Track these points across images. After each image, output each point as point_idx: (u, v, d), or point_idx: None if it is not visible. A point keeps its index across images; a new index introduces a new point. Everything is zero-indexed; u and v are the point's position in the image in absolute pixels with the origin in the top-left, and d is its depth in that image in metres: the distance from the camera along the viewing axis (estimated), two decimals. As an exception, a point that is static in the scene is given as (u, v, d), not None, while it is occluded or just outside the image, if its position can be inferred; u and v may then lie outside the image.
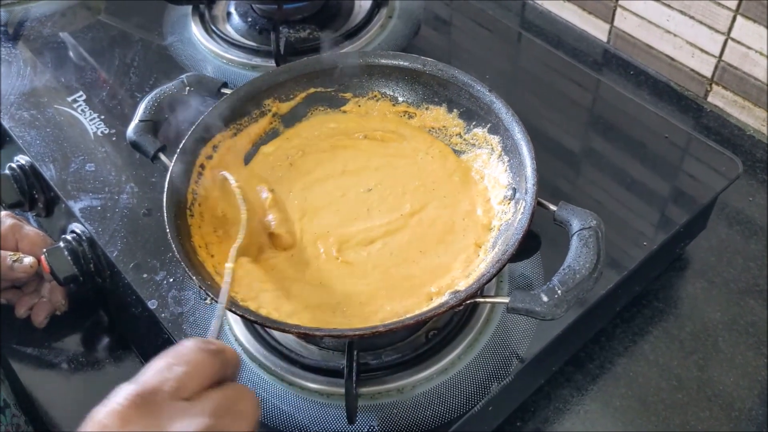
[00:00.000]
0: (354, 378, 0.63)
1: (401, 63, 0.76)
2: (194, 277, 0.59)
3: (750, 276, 0.83)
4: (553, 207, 0.63)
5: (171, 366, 0.40)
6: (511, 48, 1.05)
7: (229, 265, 0.58)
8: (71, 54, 1.02)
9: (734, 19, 0.93)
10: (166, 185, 0.66)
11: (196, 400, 0.39)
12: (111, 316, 0.87)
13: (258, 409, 0.44)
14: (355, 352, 0.64)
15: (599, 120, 0.92)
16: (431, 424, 0.65)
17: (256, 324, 0.59)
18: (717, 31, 0.95)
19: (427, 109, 0.77)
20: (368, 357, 0.67)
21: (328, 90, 0.78)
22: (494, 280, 0.72)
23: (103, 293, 0.84)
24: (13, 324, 0.82)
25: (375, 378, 0.67)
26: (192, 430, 0.37)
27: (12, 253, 0.79)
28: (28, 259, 0.78)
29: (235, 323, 0.71)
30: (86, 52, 1.02)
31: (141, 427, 0.37)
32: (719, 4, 0.93)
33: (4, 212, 0.84)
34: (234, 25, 1.04)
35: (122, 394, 0.38)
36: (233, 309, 0.57)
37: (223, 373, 0.42)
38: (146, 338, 0.80)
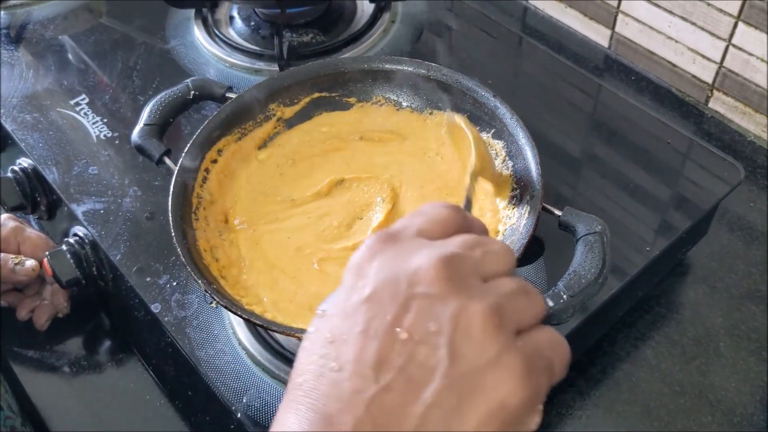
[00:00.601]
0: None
1: (405, 68, 0.76)
2: (200, 281, 0.59)
3: (751, 281, 0.84)
4: (558, 212, 0.63)
5: (416, 216, 0.40)
6: (513, 53, 1.05)
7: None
8: (73, 57, 1.03)
9: (735, 25, 0.93)
10: (172, 189, 0.66)
11: (440, 239, 0.38)
12: (113, 320, 0.87)
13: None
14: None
15: (601, 125, 0.92)
16: (435, 428, 0.65)
17: (260, 327, 0.59)
18: (718, 38, 0.96)
19: (431, 113, 0.77)
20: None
21: (333, 95, 0.78)
22: (498, 284, 0.73)
23: (105, 296, 0.84)
24: (14, 327, 0.82)
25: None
26: (436, 255, 0.36)
27: (14, 256, 0.79)
28: (30, 262, 0.78)
29: (238, 326, 0.71)
30: (88, 55, 1.02)
31: (386, 254, 0.37)
32: (721, 11, 0.93)
33: (6, 215, 0.84)
34: (237, 29, 1.04)
35: (373, 236, 0.38)
36: (237, 312, 0.57)
37: (468, 227, 0.41)
38: (149, 342, 0.80)
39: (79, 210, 0.81)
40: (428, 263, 0.35)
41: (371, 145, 0.76)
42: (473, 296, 0.35)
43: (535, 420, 0.35)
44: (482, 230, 0.42)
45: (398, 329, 0.34)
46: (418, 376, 0.33)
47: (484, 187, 0.69)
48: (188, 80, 0.76)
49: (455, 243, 0.38)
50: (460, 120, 0.68)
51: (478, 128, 0.71)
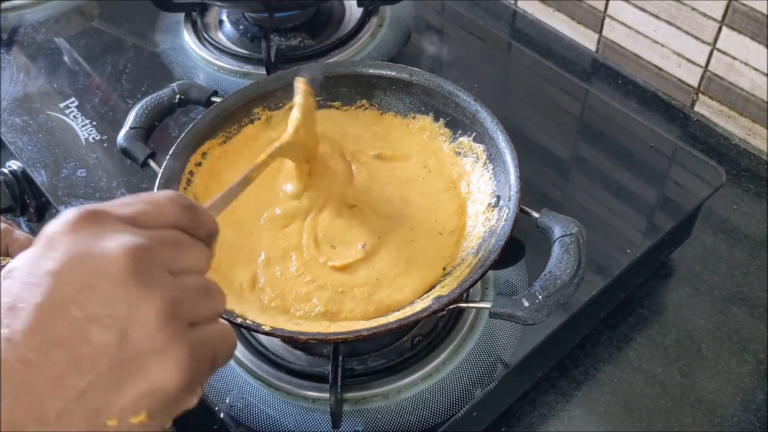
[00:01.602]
0: (339, 383, 0.64)
1: (388, 73, 0.77)
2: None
3: (734, 284, 0.84)
4: (535, 214, 0.64)
5: (136, 201, 0.40)
6: (501, 57, 1.06)
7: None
8: (64, 60, 1.03)
9: (720, 30, 0.94)
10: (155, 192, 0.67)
11: (145, 228, 0.39)
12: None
13: (222, 297, 0.42)
14: (341, 358, 0.65)
15: (587, 129, 0.93)
16: (416, 429, 0.65)
17: (241, 328, 0.59)
18: (703, 42, 0.97)
19: (414, 118, 0.78)
20: (354, 362, 0.68)
21: (317, 99, 0.78)
22: (479, 286, 0.73)
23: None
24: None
25: (360, 383, 0.67)
26: (128, 244, 0.37)
27: (2, 258, 0.79)
28: None
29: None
30: (78, 58, 1.03)
31: (83, 232, 0.37)
32: (705, 15, 0.94)
33: (-6, 217, 0.85)
34: (226, 33, 1.05)
35: (78, 207, 0.39)
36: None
37: (189, 227, 0.42)
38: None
39: (66, 212, 0.82)
40: (118, 250, 0.37)
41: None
42: (153, 288, 0.37)
43: (193, 400, 0.39)
44: (206, 227, 0.43)
45: (75, 307, 0.35)
46: (84, 353, 0.35)
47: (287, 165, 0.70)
48: (174, 84, 0.77)
49: (152, 236, 0.39)
50: (301, 89, 0.69)
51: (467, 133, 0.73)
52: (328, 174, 0.72)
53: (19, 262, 0.37)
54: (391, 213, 0.70)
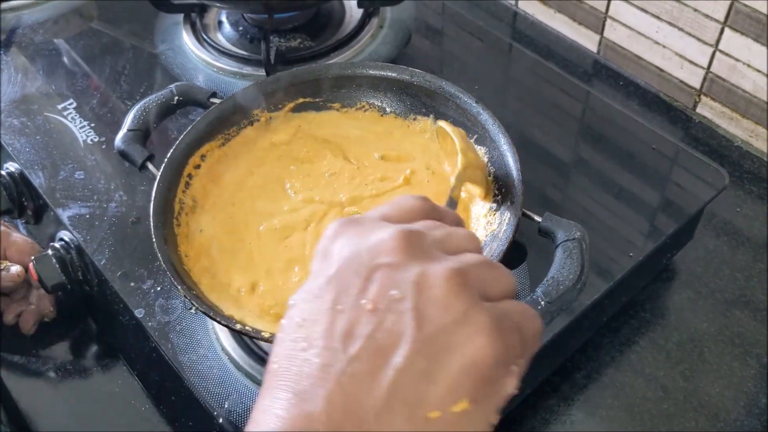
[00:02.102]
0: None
1: (389, 74, 0.77)
2: (179, 287, 0.59)
3: (737, 287, 0.84)
4: (537, 218, 0.63)
5: (381, 206, 0.41)
6: (502, 58, 1.06)
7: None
8: (62, 61, 1.03)
9: (722, 31, 0.93)
10: (153, 195, 0.66)
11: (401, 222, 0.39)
12: (99, 325, 0.87)
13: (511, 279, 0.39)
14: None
15: (588, 130, 0.92)
16: (416, 434, 0.65)
17: (241, 334, 0.59)
18: (705, 43, 0.96)
19: (414, 119, 0.78)
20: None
21: (317, 100, 0.78)
22: (481, 290, 0.73)
23: (91, 301, 0.84)
24: (0, 331, 0.82)
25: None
26: (396, 229, 0.37)
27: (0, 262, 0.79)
28: (15, 268, 0.78)
29: (221, 331, 0.71)
30: (77, 59, 1.02)
31: (348, 234, 0.38)
32: (707, 16, 0.94)
33: (-8, 220, 0.85)
34: (225, 34, 1.04)
35: (335, 221, 0.39)
36: (216, 318, 0.58)
37: (438, 216, 0.42)
38: (134, 347, 0.80)
39: (64, 215, 0.82)
40: (388, 236, 0.36)
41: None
42: (434, 262, 0.35)
43: (512, 383, 0.35)
44: (454, 220, 0.42)
45: (363, 301, 0.34)
46: (386, 343, 0.33)
47: (471, 190, 0.70)
48: (172, 85, 0.76)
49: (418, 223, 0.39)
50: (445, 125, 0.69)
51: (468, 135, 0.72)
52: (326, 183, 0.72)
53: (301, 290, 0.37)
54: None
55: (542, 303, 0.56)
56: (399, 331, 0.33)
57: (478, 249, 0.40)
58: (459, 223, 0.43)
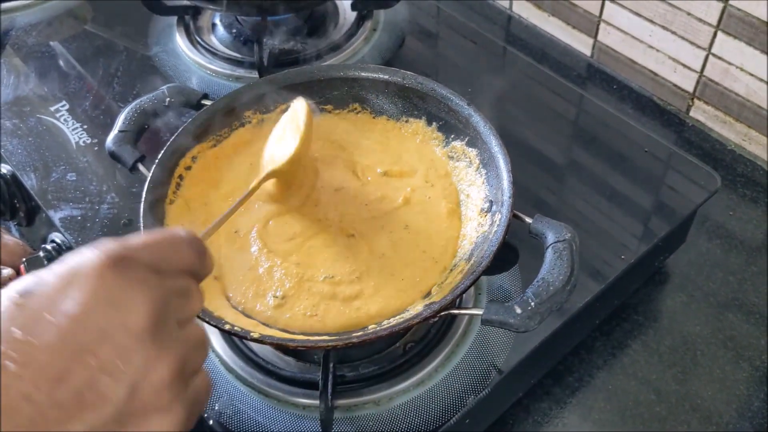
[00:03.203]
0: (330, 390, 0.63)
1: (381, 76, 0.77)
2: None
3: (729, 290, 0.84)
4: (528, 219, 0.63)
5: (157, 242, 0.41)
6: (496, 61, 1.06)
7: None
8: (56, 63, 1.02)
9: (715, 35, 0.93)
10: (144, 196, 0.66)
11: (165, 277, 0.40)
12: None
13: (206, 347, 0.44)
14: (332, 364, 0.64)
15: (582, 133, 0.93)
16: (407, 436, 0.65)
17: (231, 335, 0.59)
18: (698, 47, 0.96)
19: (407, 121, 0.77)
20: (345, 369, 0.67)
21: (309, 102, 0.78)
22: (472, 292, 0.73)
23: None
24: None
25: (351, 390, 0.66)
26: (152, 299, 0.38)
27: (-8, 263, 0.79)
28: (6, 271, 0.78)
29: (212, 334, 0.71)
30: (70, 61, 1.02)
31: (110, 279, 0.38)
32: (700, 20, 0.94)
33: (-18, 222, 0.84)
34: (219, 36, 1.04)
35: (105, 247, 0.39)
36: (205, 318, 0.57)
37: (197, 271, 0.43)
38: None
39: (56, 216, 0.81)
40: (142, 311, 0.38)
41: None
42: (167, 347, 0.38)
43: None
44: (208, 272, 0.45)
45: (89, 354, 0.36)
46: (90, 401, 0.35)
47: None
48: (164, 87, 0.76)
49: (169, 286, 0.40)
50: (303, 109, 0.69)
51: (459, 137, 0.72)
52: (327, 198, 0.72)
53: (37, 289, 0.37)
54: (387, 249, 0.68)
55: (532, 304, 0.56)
56: (107, 396, 0.36)
57: (199, 311, 0.43)
58: (209, 272, 0.45)
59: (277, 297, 0.63)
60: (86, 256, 0.38)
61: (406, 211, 0.71)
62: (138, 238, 0.41)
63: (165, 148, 0.70)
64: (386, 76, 0.76)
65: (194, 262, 0.42)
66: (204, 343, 0.42)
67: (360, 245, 0.67)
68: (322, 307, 0.63)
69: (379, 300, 0.63)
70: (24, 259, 0.79)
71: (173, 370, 0.38)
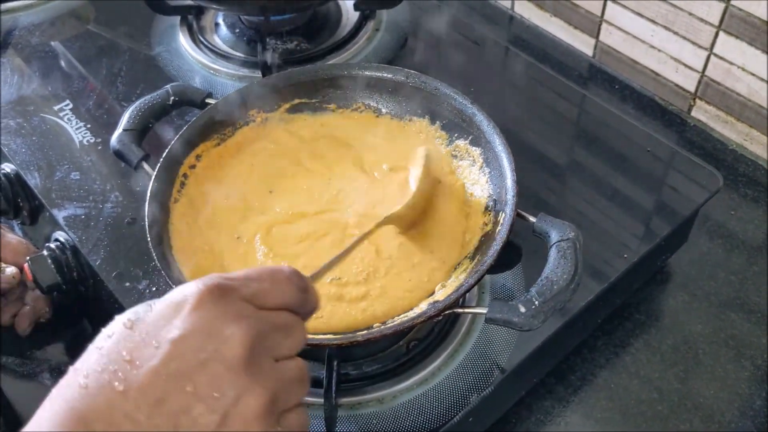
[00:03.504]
0: (333, 388, 0.63)
1: (385, 75, 0.77)
2: (174, 286, 0.59)
3: (731, 289, 0.84)
4: (532, 218, 0.63)
5: (259, 276, 0.43)
6: (498, 61, 1.06)
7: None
8: (59, 63, 1.03)
9: (717, 35, 0.94)
10: (148, 194, 0.66)
11: (265, 311, 0.42)
12: (95, 325, 0.86)
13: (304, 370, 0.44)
14: (335, 363, 0.64)
15: (584, 133, 0.93)
16: (411, 434, 0.65)
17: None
18: (700, 47, 0.96)
19: (410, 120, 0.78)
20: (348, 367, 0.68)
21: (312, 101, 0.78)
22: (476, 291, 0.73)
23: (87, 302, 0.84)
24: (-5, 332, 0.82)
25: (355, 388, 0.67)
26: (248, 333, 0.40)
27: (-5, 263, 0.79)
28: (10, 270, 0.78)
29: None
30: (73, 61, 1.02)
31: (210, 309, 0.40)
32: (702, 20, 0.94)
33: (-14, 220, 0.84)
34: (222, 36, 1.04)
35: (209, 278, 0.41)
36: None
37: (298, 307, 0.44)
38: (128, 347, 0.79)
39: (60, 215, 0.81)
40: (238, 342, 0.39)
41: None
42: (261, 380, 0.39)
43: None
44: (312, 308, 0.45)
45: (186, 380, 0.38)
46: (185, 425, 0.37)
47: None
48: (168, 86, 0.76)
49: (268, 320, 0.41)
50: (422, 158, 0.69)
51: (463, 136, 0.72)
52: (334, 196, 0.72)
53: (146, 315, 0.40)
54: (395, 249, 0.68)
55: (536, 303, 0.56)
56: (201, 423, 0.38)
57: (301, 347, 0.43)
58: (314, 309, 0.46)
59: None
60: (191, 286, 0.40)
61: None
62: (240, 272, 0.43)
63: (169, 147, 0.70)
64: (390, 75, 0.77)
65: (296, 298, 0.44)
66: (303, 381, 0.43)
67: (367, 246, 0.67)
68: (328, 309, 0.63)
69: (385, 301, 0.63)
70: (28, 258, 0.79)
71: (264, 403, 0.39)
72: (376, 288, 0.64)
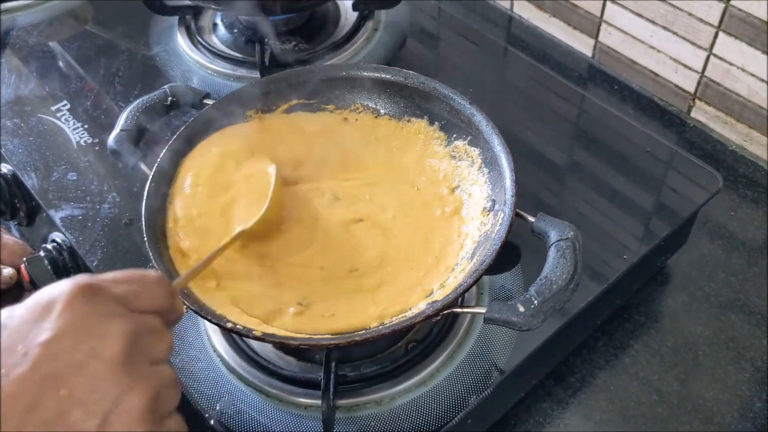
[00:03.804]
0: (331, 390, 0.63)
1: (383, 75, 0.77)
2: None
3: (731, 290, 0.83)
4: (531, 218, 0.63)
5: (128, 279, 0.42)
6: (497, 62, 1.06)
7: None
8: (57, 63, 1.02)
9: (716, 35, 0.93)
10: (145, 195, 0.66)
11: (135, 312, 0.41)
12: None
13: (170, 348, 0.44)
14: (333, 364, 0.64)
15: (583, 134, 0.92)
16: (409, 436, 0.64)
17: (232, 333, 0.59)
18: (699, 47, 0.96)
19: (408, 121, 0.77)
20: (346, 369, 0.67)
21: (311, 101, 0.78)
22: (475, 291, 0.73)
23: (83, 303, 0.84)
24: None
25: (353, 390, 0.66)
26: (125, 329, 0.39)
27: (-8, 262, 0.78)
28: (7, 271, 0.77)
29: (213, 333, 0.71)
30: (71, 61, 1.02)
31: (82, 308, 0.38)
32: (702, 21, 0.94)
33: (-17, 221, 0.84)
34: (220, 36, 1.04)
35: (76, 279, 0.39)
36: (207, 316, 0.57)
37: (166, 313, 0.44)
38: (125, 348, 0.79)
39: (57, 216, 0.81)
40: (115, 340, 0.38)
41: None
42: (140, 378, 0.38)
43: None
44: (178, 316, 0.45)
45: (61, 384, 0.36)
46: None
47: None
48: (166, 86, 0.76)
49: (139, 321, 0.40)
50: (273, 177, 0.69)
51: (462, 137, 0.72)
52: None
53: (8, 322, 0.38)
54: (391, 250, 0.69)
55: (535, 303, 0.56)
56: (79, 428, 0.36)
57: (171, 352, 0.43)
58: (179, 317, 0.45)
59: (302, 305, 0.63)
60: (58, 287, 0.39)
61: (410, 211, 0.71)
62: (108, 274, 0.41)
63: (167, 147, 0.70)
64: (388, 76, 0.76)
65: (165, 303, 0.43)
66: (177, 384, 0.42)
67: (365, 247, 0.67)
68: (344, 306, 0.63)
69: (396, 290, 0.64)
70: (24, 259, 0.79)
71: (146, 402, 0.38)
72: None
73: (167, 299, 0.43)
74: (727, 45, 0.93)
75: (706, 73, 0.98)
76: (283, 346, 0.68)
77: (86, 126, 0.91)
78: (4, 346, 0.36)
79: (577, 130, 0.94)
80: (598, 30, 1.08)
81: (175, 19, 1.05)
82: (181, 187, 0.69)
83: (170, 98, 0.76)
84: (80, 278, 0.39)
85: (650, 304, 0.83)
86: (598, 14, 1.06)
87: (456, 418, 0.65)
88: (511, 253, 0.72)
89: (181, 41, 1.03)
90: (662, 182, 0.85)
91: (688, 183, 0.83)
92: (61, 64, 1.02)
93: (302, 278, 0.65)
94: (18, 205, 0.89)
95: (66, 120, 0.92)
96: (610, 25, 1.05)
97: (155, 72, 1.00)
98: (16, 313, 0.38)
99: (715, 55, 0.95)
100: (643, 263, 0.77)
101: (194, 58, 1.00)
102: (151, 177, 0.67)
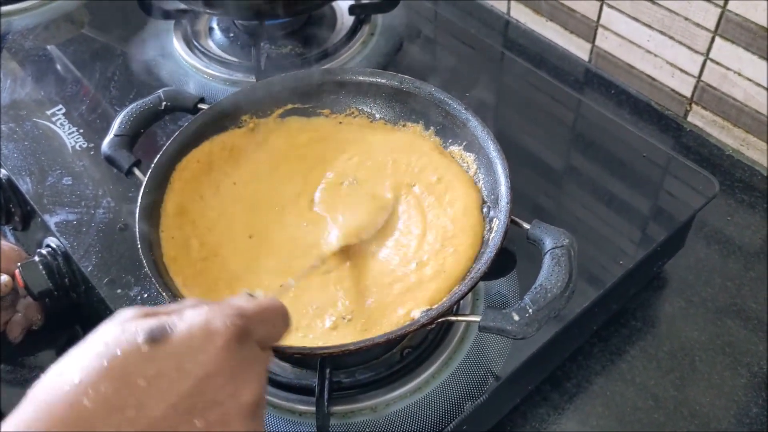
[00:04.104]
0: (326, 396, 0.63)
1: (379, 80, 0.76)
2: (164, 294, 0.59)
3: (728, 295, 0.83)
4: (526, 225, 0.63)
5: (267, 318, 0.45)
6: (494, 66, 1.05)
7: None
8: (52, 67, 1.02)
9: (713, 40, 0.93)
10: (139, 200, 0.65)
11: (266, 352, 0.45)
12: (86, 332, 0.85)
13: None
14: (328, 370, 0.64)
15: (580, 138, 0.92)
16: (404, 443, 0.64)
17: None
18: (696, 52, 0.96)
19: (404, 125, 0.77)
20: (341, 375, 0.67)
21: (306, 106, 0.78)
22: (470, 298, 0.72)
23: (79, 308, 0.84)
24: (-14, 340, 0.81)
25: (348, 396, 0.66)
26: (259, 380, 0.43)
27: (-14, 269, 0.78)
28: (4, 278, 0.77)
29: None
30: (67, 65, 1.02)
31: (233, 355, 0.41)
32: (698, 26, 0.94)
33: (-24, 227, 0.84)
34: (216, 40, 1.04)
35: (232, 315, 0.42)
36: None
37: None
38: (120, 354, 0.79)
39: (51, 221, 0.81)
40: (254, 389, 0.42)
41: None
42: (258, 426, 0.42)
43: None
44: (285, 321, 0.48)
45: (200, 417, 0.39)
46: None
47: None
48: (160, 91, 0.76)
49: (269, 360, 0.45)
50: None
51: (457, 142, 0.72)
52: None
53: (171, 340, 0.40)
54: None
55: (530, 311, 0.55)
56: None
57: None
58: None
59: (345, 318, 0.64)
60: (216, 320, 0.41)
61: (408, 217, 0.71)
62: (254, 305, 0.44)
63: (161, 153, 0.69)
64: (383, 80, 0.76)
65: (282, 335, 0.47)
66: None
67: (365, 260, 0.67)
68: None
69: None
70: (19, 264, 0.78)
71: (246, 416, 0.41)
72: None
73: (285, 333, 0.47)
74: (723, 49, 0.93)
75: (702, 78, 0.98)
76: (278, 352, 0.67)
77: (81, 130, 0.91)
78: (159, 368, 0.39)
79: (574, 134, 0.93)
80: (595, 34, 1.08)
81: (171, 23, 1.05)
82: (175, 193, 0.69)
83: (164, 103, 0.75)
84: (234, 316, 0.42)
85: (647, 309, 0.83)
86: (595, 18, 1.06)
87: (451, 425, 0.65)
88: (507, 260, 0.72)
89: (177, 45, 1.02)
90: (659, 187, 0.85)
91: (685, 188, 0.83)
92: (57, 67, 1.02)
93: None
94: (13, 209, 0.89)
95: (61, 124, 0.92)
96: (606, 29, 1.05)
97: (151, 76, 0.99)
98: (175, 330, 0.40)
99: (712, 60, 0.95)
100: (639, 268, 0.76)
101: (190, 62, 1.00)
102: (145, 182, 0.67)
